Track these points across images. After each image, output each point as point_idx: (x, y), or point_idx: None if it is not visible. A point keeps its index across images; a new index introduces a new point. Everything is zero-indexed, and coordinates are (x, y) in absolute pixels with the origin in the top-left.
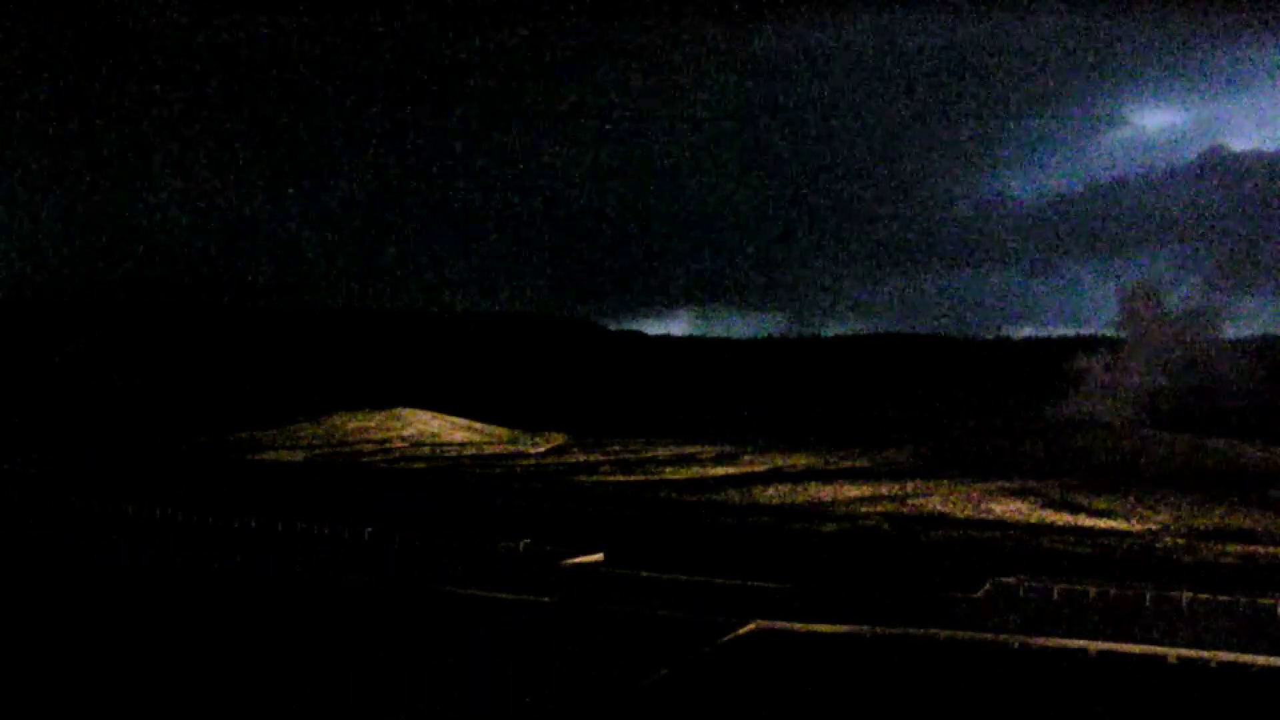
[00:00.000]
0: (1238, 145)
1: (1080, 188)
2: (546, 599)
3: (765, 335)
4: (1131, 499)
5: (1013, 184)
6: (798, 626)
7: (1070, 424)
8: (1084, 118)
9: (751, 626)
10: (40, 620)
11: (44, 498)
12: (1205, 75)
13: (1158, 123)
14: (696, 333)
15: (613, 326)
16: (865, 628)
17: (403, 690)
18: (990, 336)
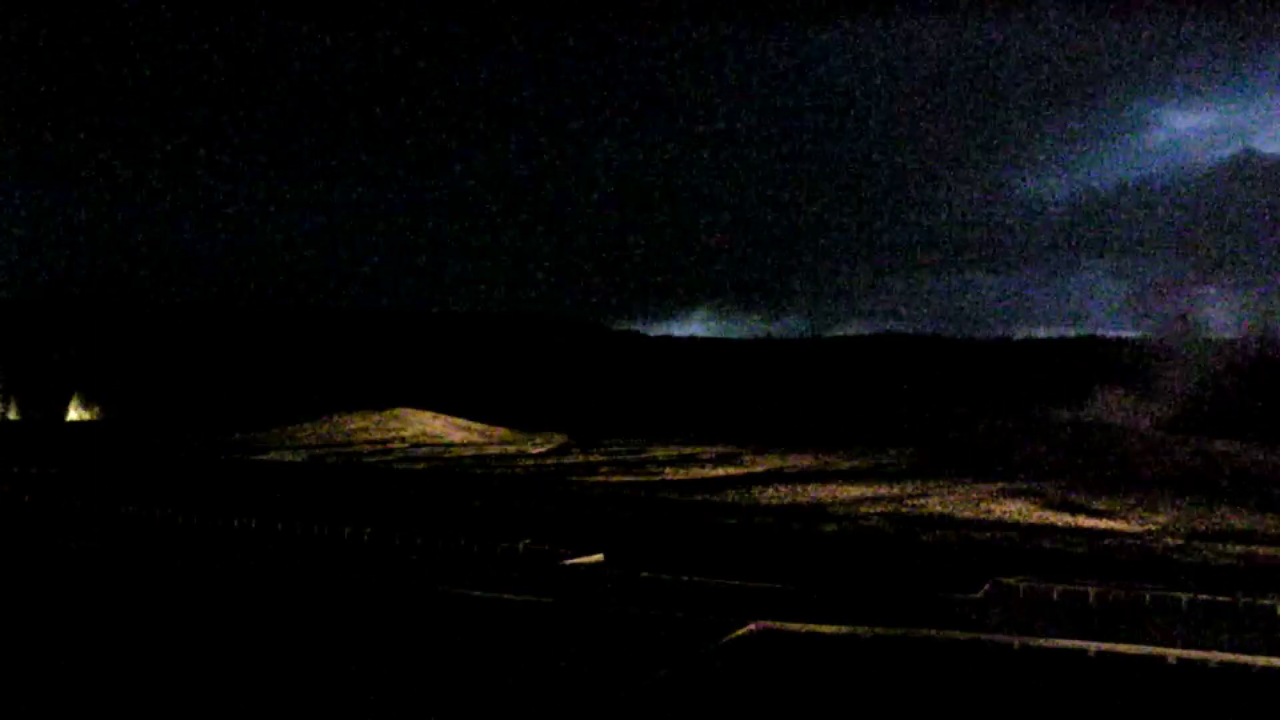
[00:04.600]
0: (1269, 148)
1: (1108, 189)
2: (546, 599)
3: (765, 335)
4: (1131, 499)
5: (1038, 185)
6: (798, 626)
7: (1070, 424)
8: (1113, 119)
9: (751, 626)
10: (41, 621)
11: (44, 499)
12: (1237, 78)
13: (1188, 125)
14: (703, 334)
15: (615, 327)
16: (865, 628)
17: (402, 690)
18: (993, 336)
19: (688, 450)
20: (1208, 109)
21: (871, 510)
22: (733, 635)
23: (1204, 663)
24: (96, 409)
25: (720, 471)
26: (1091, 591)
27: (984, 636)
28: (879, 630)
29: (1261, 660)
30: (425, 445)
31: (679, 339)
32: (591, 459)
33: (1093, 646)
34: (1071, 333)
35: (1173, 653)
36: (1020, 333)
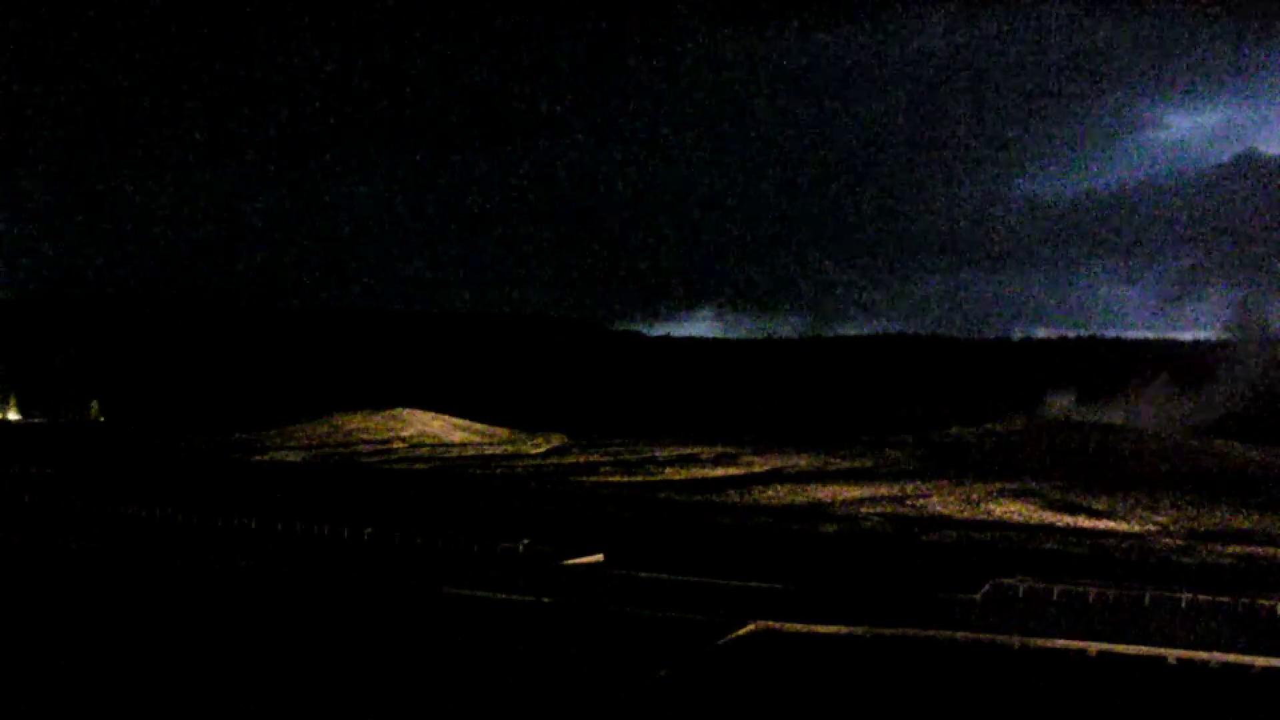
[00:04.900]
0: (1271, 149)
1: (1110, 189)
2: (546, 599)
3: (765, 336)
4: (1131, 499)
5: (1039, 185)
6: (798, 626)
7: (1070, 424)
8: (1115, 120)
9: (751, 626)
10: (41, 621)
11: (44, 499)
12: (1239, 79)
13: (1190, 125)
14: (703, 334)
15: (615, 327)
16: (865, 628)
17: (402, 690)
18: (992, 336)
19: (688, 450)
20: (1210, 109)
21: (871, 510)
22: (733, 635)
23: (1204, 663)
24: (97, 409)
25: (720, 471)
26: (1091, 592)
27: (984, 636)
28: (879, 630)
29: (1261, 660)
30: (425, 445)
31: (679, 339)
32: (591, 459)
33: (1093, 647)
34: (1072, 333)
35: (1173, 653)
36: (1020, 333)
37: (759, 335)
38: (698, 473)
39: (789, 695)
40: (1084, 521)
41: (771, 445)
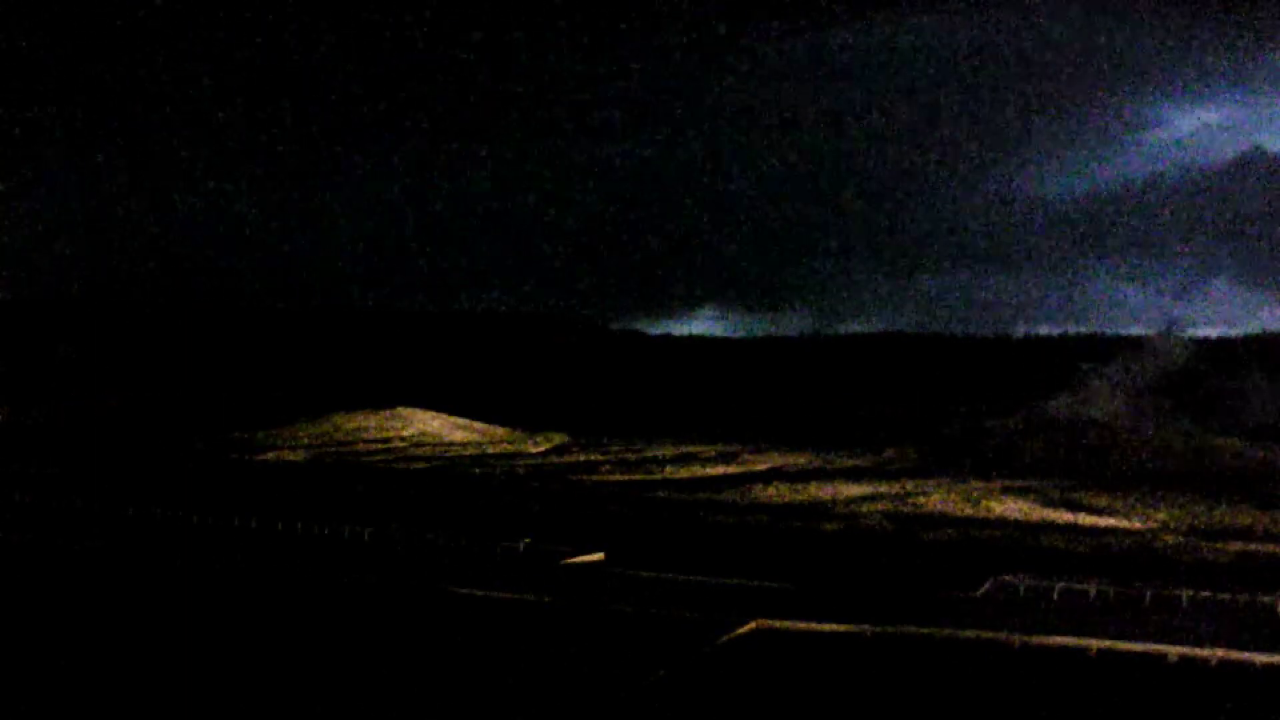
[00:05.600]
0: (1277, 146)
1: (1113, 188)
2: (546, 599)
3: (767, 335)
4: (1131, 498)
5: (1043, 184)
6: (798, 626)
7: (1070, 424)
8: (1118, 118)
9: (751, 626)
10: (42, 621)
11: (45, 499)
12: (1244, 75)
13: (1194, 123)
14: (705, 333)
15: (615, 326)
16: (865, 627)
17: (402, 690)
18: (990, 335)
19: (687, 449)
20: (1214, 106)
21: (872, 509)
22: (733, 635)
23: (1205, 660)
24: (97, 408)
25: (720, 470)
26: (1092, 591)
27: (985, 635)
28: (880, 629)
29: (1262, 658)
30: (426, 445)
31: (679, 338)
32: (591, 458)
33: (1094, 644)
34: (1074, 330)
35: (1174, 650)
36: (1022, 331)
37: (760, 334)
38: (698, 471)
39: (789, 694)
40: (1084, 519)
41: (772, 444)
